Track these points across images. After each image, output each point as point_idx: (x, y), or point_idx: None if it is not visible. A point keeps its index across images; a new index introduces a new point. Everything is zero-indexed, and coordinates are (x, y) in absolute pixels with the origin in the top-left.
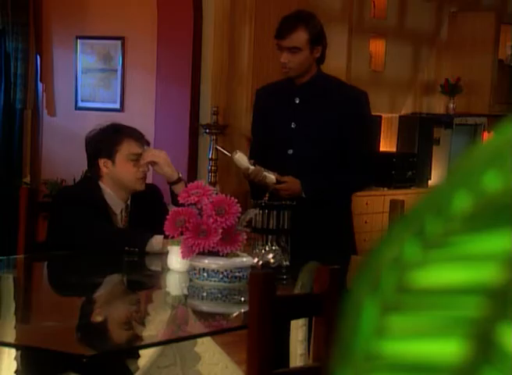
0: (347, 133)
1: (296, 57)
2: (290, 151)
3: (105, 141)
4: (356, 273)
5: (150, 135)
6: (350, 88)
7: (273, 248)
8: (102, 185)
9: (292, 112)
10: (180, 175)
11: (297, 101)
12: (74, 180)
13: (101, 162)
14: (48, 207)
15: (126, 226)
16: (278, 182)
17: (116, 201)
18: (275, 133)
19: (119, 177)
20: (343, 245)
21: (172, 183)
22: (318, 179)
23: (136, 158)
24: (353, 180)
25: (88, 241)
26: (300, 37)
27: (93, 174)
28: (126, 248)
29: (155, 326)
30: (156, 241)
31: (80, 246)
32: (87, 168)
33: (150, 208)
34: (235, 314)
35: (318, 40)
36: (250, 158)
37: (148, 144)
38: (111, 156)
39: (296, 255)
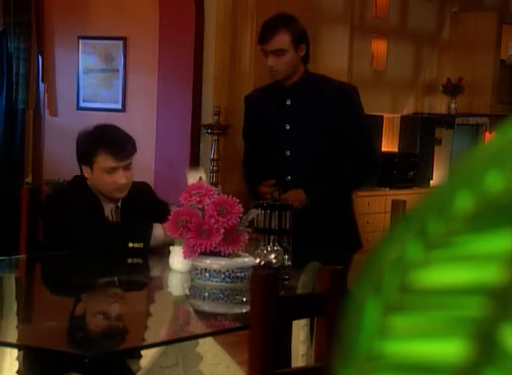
0: (344, 129)
1: (281, 59)
2: (288, 153)
3: (84, 150)
4: (357, 273)
5: (151, 135)
6: (339, 85)
7: (275, 248)
8: (90, 186)
9: (284, 113)
10: None
11: (288, 103)
12: None
13: (83, 168)
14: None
15: None
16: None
17: (104, 201)
18: (271, 137)
19: (96, 185)
20: (346, 244)
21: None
22: (319, 183)
23: (112, 172)
24: (355, 175)
25: (87, 239)
26: (282, 38)
27: (82, 173)
28: (131, 245)
29: (157, 327)
30: (158, 231)
31: (79, 245)
32: None
33: (142, 208)
34: (237, 314)
35: (300, 38)
36: (244, 163)
37: (133, 152)
38: (89, 165)
39: (298, 256)
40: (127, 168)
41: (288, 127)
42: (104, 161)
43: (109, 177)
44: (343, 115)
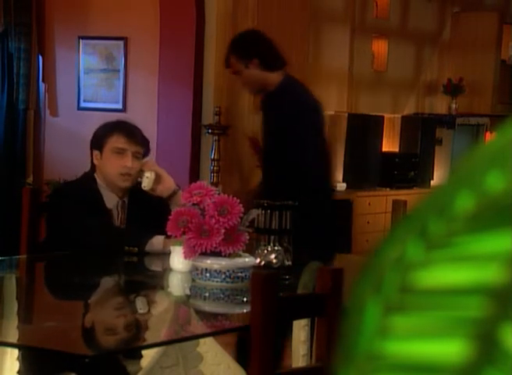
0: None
1: (241, 79)
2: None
3: (99, 134)
4: (355, 273)
5: (152, 136)
6: (297, 102)
7: (275, 248)
8: (97, 178)
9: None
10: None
11: (261, 110)
12: None
13: (94, 153)
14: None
15: (123, 223)
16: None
17: (110, 196)
18: None
19: (103, 170)
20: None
21: (170, 196)
22: None
23: (121, 153)
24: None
25: (85, 240)
26: (232, 62)
27: (91, 166)
28: (126, 248)
29: (158, 327)
30: (157, 240)
31: (77, 245)
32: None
33: (150, 209)
34: (237, 314)
35: (247, 54)
36: None
37: (146, 145)
38: (100, 148)
39: (299, 256)
40: (136, 156)
41: (261, 133)
42: (115, 141)
43: (117, 159)
44: (282, 129)
